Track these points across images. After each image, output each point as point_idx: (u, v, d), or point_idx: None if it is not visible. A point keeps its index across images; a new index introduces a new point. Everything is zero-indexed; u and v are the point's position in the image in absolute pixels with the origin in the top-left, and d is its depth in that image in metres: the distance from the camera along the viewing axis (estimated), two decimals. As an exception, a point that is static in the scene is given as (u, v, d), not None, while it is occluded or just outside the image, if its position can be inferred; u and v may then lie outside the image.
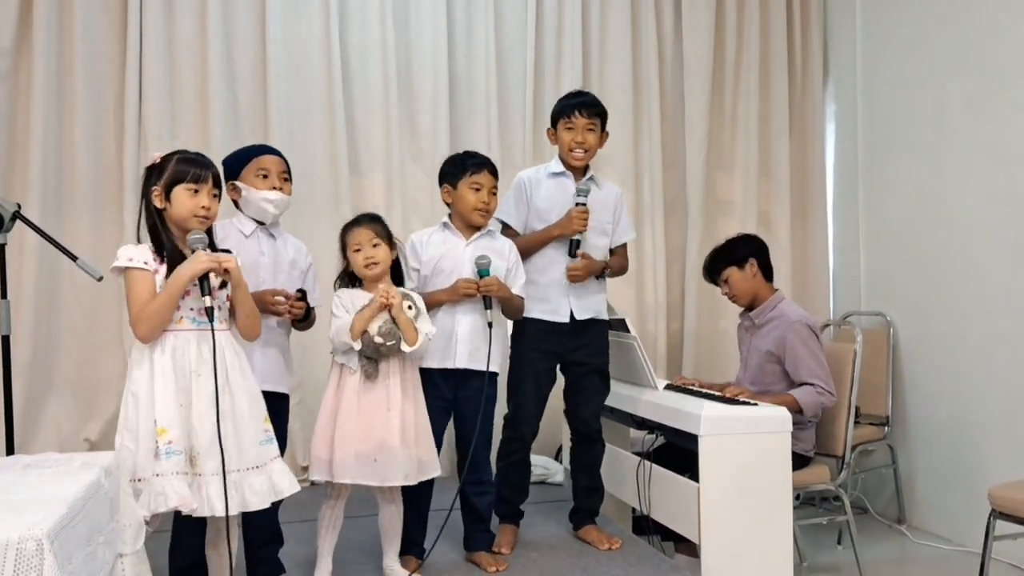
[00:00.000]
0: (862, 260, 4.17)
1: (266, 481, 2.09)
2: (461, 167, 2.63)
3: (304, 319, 2.50)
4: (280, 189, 2.43)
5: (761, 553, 2.59)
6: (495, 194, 2.64)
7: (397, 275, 2.50)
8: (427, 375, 2.54)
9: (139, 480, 1.94)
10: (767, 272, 3.20)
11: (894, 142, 3.96)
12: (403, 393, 2.37)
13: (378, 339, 2.31)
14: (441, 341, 2.55)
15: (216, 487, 1.99)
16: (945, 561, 3.41)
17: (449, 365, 2.56)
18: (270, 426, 2.15)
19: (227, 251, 2.16)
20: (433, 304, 2.55)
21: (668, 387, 3.01)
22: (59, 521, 1.37)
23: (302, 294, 2.44)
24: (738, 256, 3.18)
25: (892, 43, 3.96)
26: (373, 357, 2.34)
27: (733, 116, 4.28)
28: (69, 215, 3.50)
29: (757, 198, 4.28)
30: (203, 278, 2.01)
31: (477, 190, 2.60)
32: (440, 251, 2.61)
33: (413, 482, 2.37)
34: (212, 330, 2.02)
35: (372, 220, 2.46)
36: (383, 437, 2.31)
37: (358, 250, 2.40)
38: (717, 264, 3.23)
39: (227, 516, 2.00)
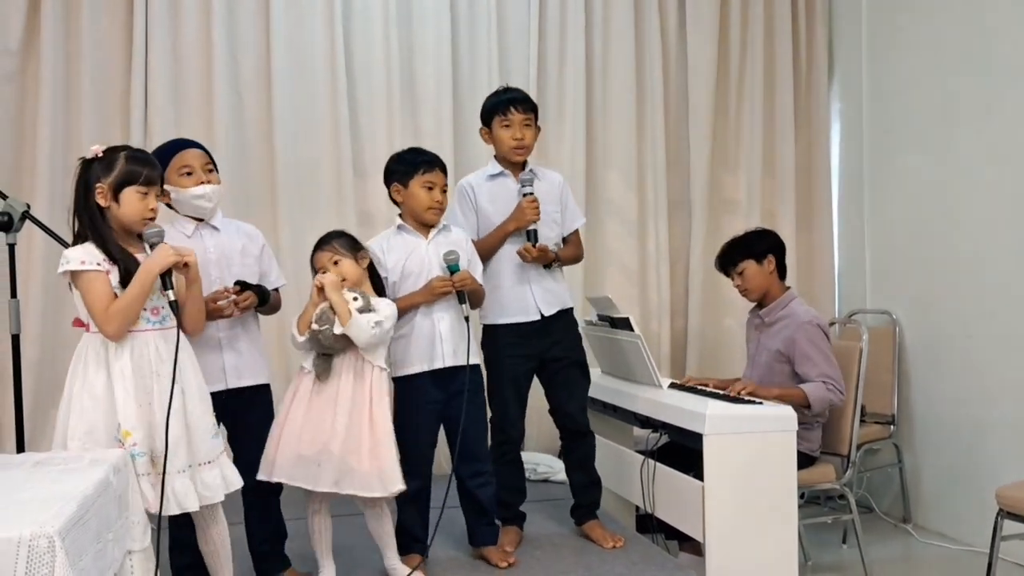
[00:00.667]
0: (867, 258, 4.17)
1: (218, 475, 2.11)
2: (412, 165, 2.59)
3: (263, 303, 2.44)
4: (207, 181, 2.35)
5: (766, 552, 2.59)
6: (446, 191, 2.62)
7: (377, 283, 2.49)
8: (416, 381, 2.55)
9: None
10: (782, 271, 3.19)
11: (899, 140, 3.95)
12: (353, 398, 2.33)
13: (314, 326, 2.33)
14: (423, 344, 2.55)
15: (181, 483, 2.00)
16: (951, 561, 3.41)
17: (438, 365, 2.56)
18: (215, 419, 2.16)
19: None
20: (409, 307, 2.54)
21: (672, 386, 3.02)
22: (70, 518, 1.39)
23: (241, 285, 2.37)
24: (758, 250, 3.14)
25: (898, 41, 3.96)
26: (324, 351, 2.35)
27: (737, 115, 4.28)
28: (77, 215, 3.52)
29: (762, 197, 4.27)
30: (166, 273, 2.01)
31: (430, 189, 2.57)
32: (403, 254, 2.59)
33: (348, 492, 2.31)
34: (178, 325, 2.03)
35: (331, 238, 2.44)
36: (325, 442, 2.30)
37: (323, 272, 2.40)
38: (734, 255, 3.19)
39: (160, 516, 1.99)
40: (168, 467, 1.98)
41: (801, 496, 2.84)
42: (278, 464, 2.33)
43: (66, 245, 2.53)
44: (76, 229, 2.07)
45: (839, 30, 4.37)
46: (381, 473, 2.32)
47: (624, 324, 2.93)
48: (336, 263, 2.40)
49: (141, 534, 1.90)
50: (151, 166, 2.07)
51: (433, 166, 2.59)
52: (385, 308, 2.39)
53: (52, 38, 3.44)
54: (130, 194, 2.03)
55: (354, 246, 2.45)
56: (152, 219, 2.06)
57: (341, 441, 2.30)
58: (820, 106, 4.35)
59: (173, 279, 2.03)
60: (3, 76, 3.43)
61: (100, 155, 2.05)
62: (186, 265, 2.05)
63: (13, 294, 2.50)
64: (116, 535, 1.70)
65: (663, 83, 4.15)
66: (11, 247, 2.47)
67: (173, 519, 2.22)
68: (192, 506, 2.02)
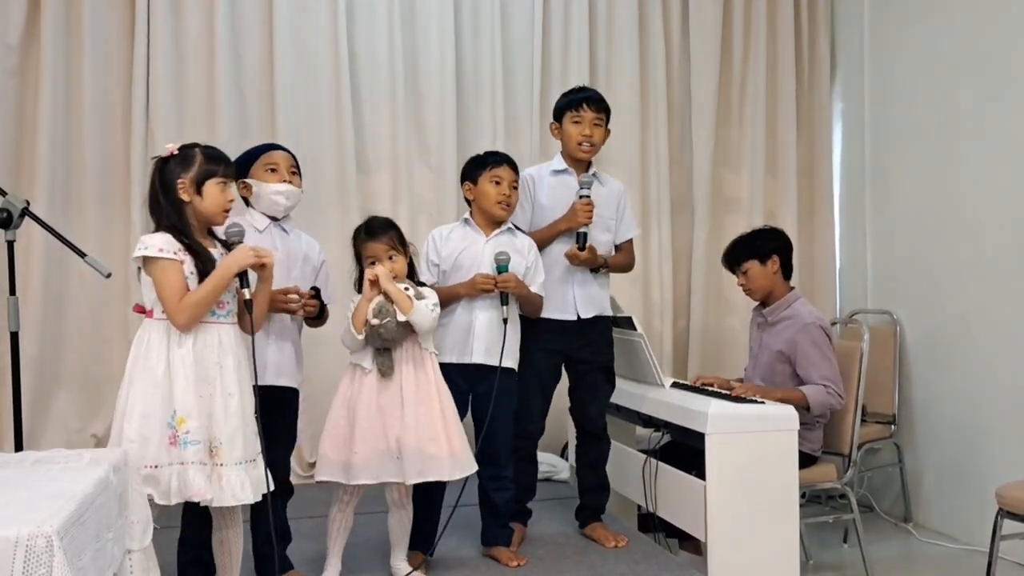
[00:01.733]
0: (869, 258, 4.16)
1: (262, 472, 2.13)
2: (481, 163, 2.67)
3: (318, 317, 2.50)
4: (289, 182, 2.45)
5: (767, 551, 2.59)
6: (516, 187, 2.65)
7: (412, 277, 2.49)
8: (444, 370, 2.54)
9: (155, 467, 1.96)
10: (787, 270, 3.18)
11: (901, 140, 3.94)
12: (417, 388, 2.36)
13: (374, 320, 2.30)
14: (459, 336, 2.57)
15: (237, 476, 2.02)
16: (952, 560, 3.40)
17: (466, 360, 2.58)
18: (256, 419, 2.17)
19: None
20: (451, 298, 2.56)
21: (675, 385, 3.01)
22: (68, 517, 1.38)
23: (316, 292, 2.45)
24: (762, 250, 3.14)
25: (899, 41, 3.95)
26: (383, 346, 2.34)
27: (740, 114, 4.27)
28: (77, 212, 3.52)
29: (764, 196, 4.26)
30: (243, 272, 2.06)
31: (497, 183, 2.62)
32: (460, 247, 2.63)
33: (433, 478, 2.35)
34: (252, 326, 2.09)
35: (386, 229, 2.44)
36: (399, 435, 2.32)
37: (373, 263, 2.40)
38: (739, 254, 3.19)
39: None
40: (226, 459, 2.01)
41: (802, 495, 2.83)
42: (356, 466, 2.32)
43: (66, 242, 2.54)
44: (156, 225, 2.10)
45: (841, 30, 4.36)
46: (455, 457, 2.37)
47: (627, 323, 2.93)
48: (391, 257, 2.40)
49: (141, 533, 1.89)
50: (226, 160, 2.14)
51: (501, 162, 2.64)
52: (431, 293, 2.42)
53: (53, 33, 3.43)
54: (211, 187, 2.08)
55: (404, 240, 2.46)
56: (229, 210, 2.12)
57: (415, 432, 2.32)
58: (822, 106, 4.34)
59: (249, 278, 2.08)
60: (3, 71, 3.42)
61: (175, 153, 2.09)
62: (263, 266, 2.09)
63: (12, 291, 2.49)
64: (116, 534, 1.69)
65: (666, 82, 4.15)
66: (10, 244, 2.45)
67: (184, 516, 2.24)
68: (248, 498, 2.04)
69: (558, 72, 4.01)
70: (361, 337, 2.33)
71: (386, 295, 2.33)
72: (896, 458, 3.87)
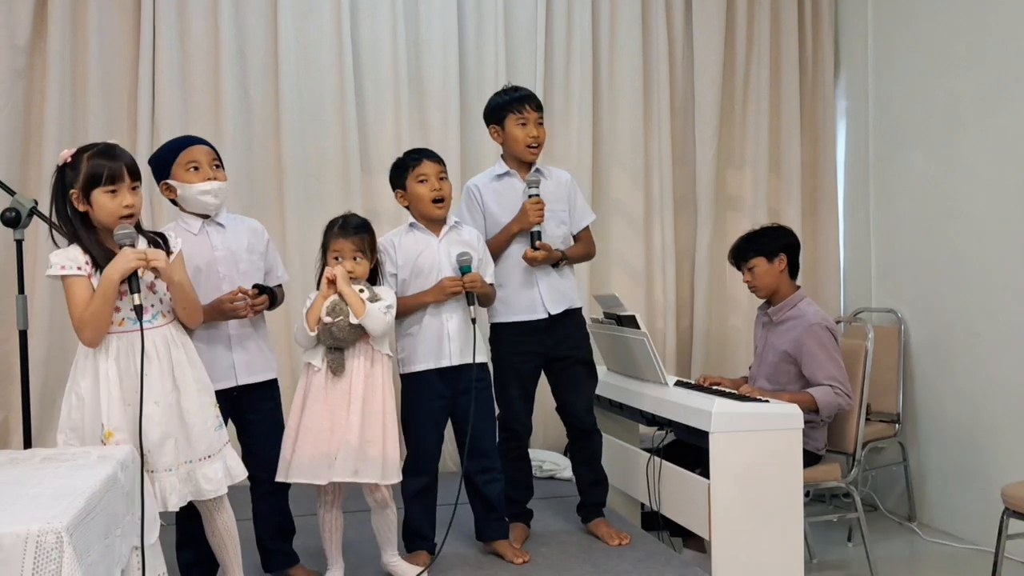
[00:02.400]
0: (873, 257, 4.16)
1: (220, 467, 2.11)
2: (403, 167, 2.62)
3: (273, 305, 2.47)
4: (214, 178, 2.35)
5: (771, 550, 2.59)
6: (444, 179, 2.61)
7: (374, 281, 2.48)
8: (424, 377, 2.56)
9: None
10: (794, 269, 3.18)
11: (905, 138, 3.94)
12: (365, 388, 2.33)
13: (327, 319, 2.29)
14: (432, 341, 2.56)
15: (170, 482, 2.00)
16: (957, 559, 3.40)
17: (445, 364, 2.56)
18: (218, 412, 2.16)
19: (159, 235, 2.14)
20: (418, 306, 2.55)
21: (678, 383, 3.02)
22: (77, 514, 1.39)
23: (259, 288, 2.39)
24: (770, 248, 3.13)
25: (903, 39, 3.94)
26: (335, 345, 2.32)
27: (743, 112, 4.27)
28: (83, 211, 3.53)
29: (768, 195, 4.26)
30: (131, 277, 1.97)
31: (424, 181, 2.57)
32: (414, 252, 2.59)
33: (367, 480, 2.33)
34: (141, 329, 1.99)
35: (359, 230, 2.42)
36: (343, 434, 2.30)
37: (337, 259, 2.39)
38: (746, 251, 3.18)
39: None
40: (156, 466, 1.99)
41: (806, 494, 2.83)
42: (294, 465, 2.31)
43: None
44: (52, 235, 2.07)
45: (845, 28, 4.35)
46: (388, 463, 2.34)
47: (630, 322, 2.93)
48: (356, 259, 2.39)
49: (147, 531, 1.90)
50: (112, 158, 2.01)
51: (420, 159, 2.60)
52: (388, 294, 2.41)
53: (60, 34, 3.45)
54: (98, 196, 1.99)
55: (374, 246, 2.45)
56: (130, 216, 2.02)
57: (358, 431, 2.30)
58: (826, 104, 4.33)
59: (139, 282, 2.00)
60: (11, 72, 3.43)
61: (69, 160, 2.02)
62: (154, 268, 2.01)
63: (21, 290, 2.51)
64: (124, 531, 1.70)
65: (669, 81, 4.15)
66: (19, 243, 2.46)
67: (180, 516, 2.24)
68: (173, 506, 2.02)
69: (561, 71, 4.01)
70: (313, 334, 2.32)
71: (341, 296, 2.32)
72: (901, 457, 3.87)
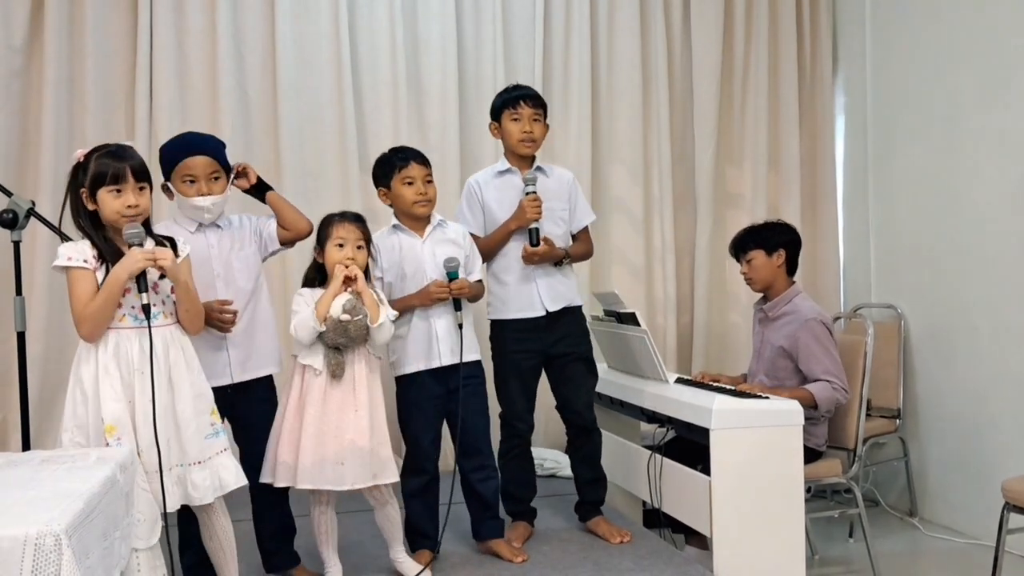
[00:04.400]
0: (872, 252, 4.16)
1: (208, 476, 2.09)
2: (389, 165, 2.60)
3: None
4: (209, 192, 2.33)
5: (773, 546, 2.59)
6: (430, 182, 2.60)
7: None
8: (417, 378, 2.56)
9: None
10: (792, 266, 3.17)
11: (904, 134, 3.93)
12: (369, 392, 2.32)
13: (344, 316, 2.23)
14: (422, 343, 2.55)
15: (157, 484, 1.99)
16: (958, 554, 3.40)
17: (435, 364, 2.56)
18: (217, 419, 2.15)
19: (168, 239, 2.14)
20: (405, 309, 2.54)
21: (679, 380, 3.01)
22: (76, 516, 1.39)
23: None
24: (770, 242, 3.13)
25: (902, 34, 3.94)
26: (338, 345, 2.27)
27: (742, 109, 4.26)
28: (81, 212, 3.52)
29: (767, 191, 4.26)
30: (140, 276, 1.99)
31: (410, 183, 2.56)
32: (399, 254, 2.58)
33: (384, 481, 2.33)
34: (149, 328, 2.00)
35: (360, 220, 2.41)
36: (352, 439, 2.27)
37: (340, 245, 2.35)
38: (746, 242, 3.18)
39: (164, 512, 2.00)
40: (148, 467, 1.98)
41: (808, 490, 2.83)
42: (301, 469, 2.27)
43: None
44: (60, 229, 2.10)
45: (843, 24, 4.35)
46: (395, 462, 2.36)
47: (630, 319, 2.93)
48: (360, 248, 2.36)
49: (147, 532, 1.90)
50: (118, 158, 2.02)
51: (408, 161, 2.58)
52: (386, 304, 2.40)
53: (56, 35, 3.44)
54: (103, 195, 2.02)
55: (370, 242, 2.43)
56: (135, 215, 2.03)
57: (368, 435, 2.29)
58: (824, 100, 4.33)
59: (155, 280, 2.02)
60: (7, 73, 3.43)
61: (82, 160, 2.05)
62: (161, 268, 2.02)
63: (18, 291, 2.50)
64: (123, 533, 1.69)
65: (668, 78, 4.14)
66: (16, 244, 2.46)
67: (182, 518, 2.24)
68: (170, 507, 2.01)
69: (559, 69, 4.01)
70: (321, 328, 2.26)
71: (359, 295, 2.28)
72: (901, 452, 3.86)
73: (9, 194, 2.47)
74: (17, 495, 1.48)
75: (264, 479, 2.32)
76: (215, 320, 2.30)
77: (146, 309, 2.00)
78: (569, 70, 4.00)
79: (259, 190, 2.50)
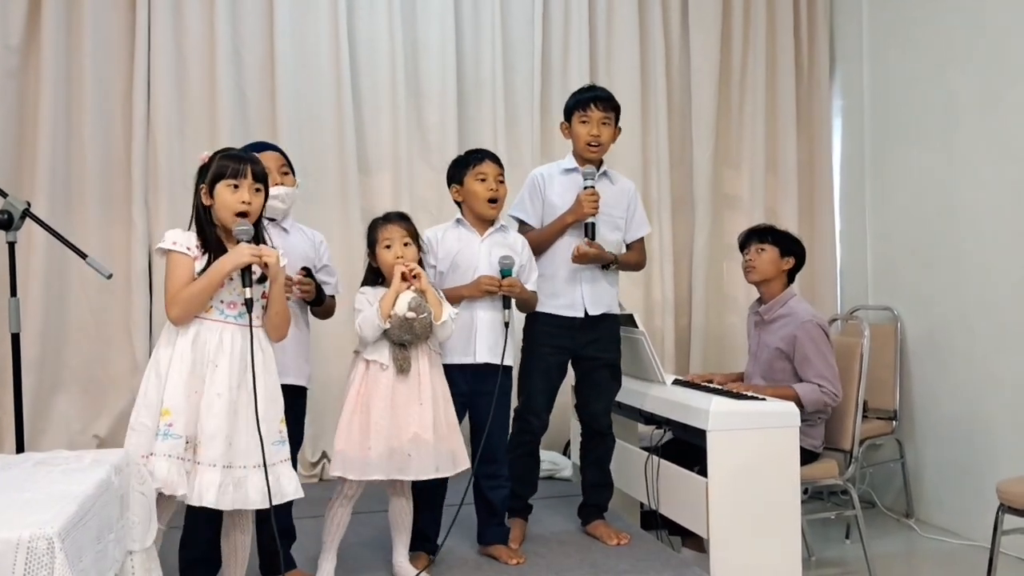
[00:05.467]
0: (869, 254, 4.16)
1: (256, 485, 2.07)
2: (464, 163, 2.67)
3: (319, 303, 2.49)
4: (280, 183, 2.43)
5: (769, 548, 2.59)
6: (502, 182, 2.65)
7: None
8: (447, 371, 2.55)
9: (147, 456, 1.97)
10: (791, 277, 3.20)
11: (901, 136, 3.94)
12: (432, 386, 2.38)
13: (410, 314, 2.29)
14: (461, 336, 2.57)
15: (210, 478, 1.99)
16: (953, 555, 3.40)
17: (469, 360, 2.58)
18: (284, 428, 2.15)
19: (273, 246, 2.18)
20: (453, 299, 2.56)
21: (676, 382, 3.01)
22: (70, 519, 1.38)
23: (306, 271, 2.44)
24: (786, 246, 3.15)
25: (899, 36, 3.94)
26: (403, 341, 2.33)
27: (740, 111, 4.27)
28: (78, 213, 3.51)
29: (764, 193, 4.26)
30: (245, 270, 2.04)
31: (483, 180, 2.62)
32: (456, 247, 2.63)
33: (447, 474, 2.40)
34: (250, 323, 2.05)
35: (403, 218, 2.47)
36: (417, 432, 2.33)
37: (388, 246, 2.40)
38: (765, 235, 3.18)
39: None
40: (203, 458, 1.99)
41: (804, 492, 2.83)
42: (373, 462, 2.31)
43: (67, 243, 2.54)
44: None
45: (840, 27, 4.35)
46: (462, 452, 2.43)
47: (628, 321, 2.93)
48: (407, 244, 2.41)
49: (142, 534, 1.89)
50: (239, 160, 2.11)
51: (483, 159, 2.65)
52: (447, 303, 2.44)
53: (54, 34, 3.43)
54: (221, 189, 2.07)
55: (418, 237, 2.47)
56: (246, 213, 2.08)
57: (433, 428, 2.34)
58: (822, 102, 4.34)
59: (254, 279, 2.06)
60: (4, 73, 3.42)
61: (206, 161, 2.11)
62: (266, 265, 2.06)
63: (13, 292, 2.50)
64: (117, 535, 1.69)
65: (666, 80, 4.14)
66: (11, 245, 2.46)
67: (187, 516, 2.23)
68: (210, 501, 2.00)
69: (558, 71, 4.01)
70: (386, 325, 2.31)
71: (422, 293, 2.34)
72: (898, 454, 3.87)
73: (5, 195, 2.47)
74: (10, 498, 1.48)
75: (334, 472, 2.37)
76: (295, 290, 2.34)
77: (248, 303, 2.04)
78: (567, 73, 4.00)
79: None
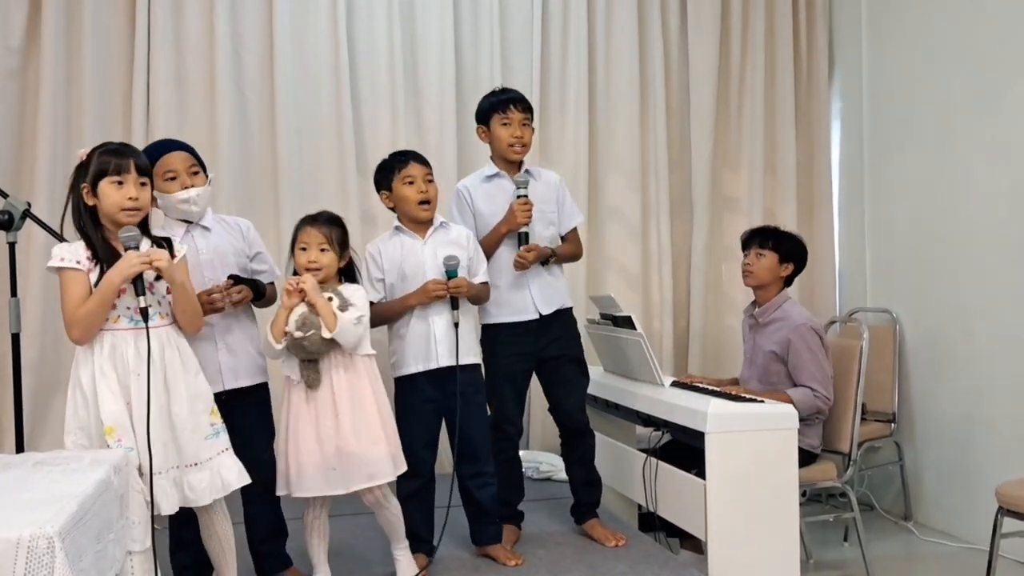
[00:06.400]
0: (868, 257, 4.17)
1: (207, 477, 2.08)
2: (389, 167, 2.62)
3: (259, 297, 2.44)
4: (191, 185, 2.33)
5: (767, 550, 2.59)
6: (431, 181, 2.61)
7: (351, 282, 2.44)
8: (412, 380, 2.56)
9: None
10: (788, 282, 3.20)
11: (900, 138, 3.94)
12: (352, 395, 2.29)
13: (297, 333, 2.21)
14: (420, 344, 2.55)
15: (160, 486, 1.98)
16: (952, 558, 3.41)
17: (432, 366, 2.56)
18: (217, 419, 2.14)
19: (166, 239, 2.14)
20: (404, 308, 2.55)
21: (674, 384, 3.01)
22: (70, 519, 1.38)
23: (234, 279, 2.36)
24: (787, 252, 3.16)
25: (897, 39, 3.95)
26: (308, 358, 2.25)
27: (739, 114, 4.27)
28: (77, 213, 3.51)
29: (763, 196, 4.26)
30: (137, 278, 1.97)
31: (411, 183, 2.57)
32: (399, 255, 2.58)
33: (386, 479, 2.33)
34: (147, 329, 1.99)
35: (329, 222, 2.37)
36: (339, 445, 2.26)
37: (304, 249, 2.33)
38: (766, 238, 3.19)
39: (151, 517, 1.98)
40: (143, 469, 1.97)
41: (802, 494, 2.84)
42: (295, 479, 2.28)
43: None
44: (62, 232, 2.08)
45: (839, 29, 4.36)
46: (395, 457, 2.35)
47: (627, 323, 2.93)
48: (322, 250, 2.32)
49: (141, 535, 1.89)
50: (121, 154, 2.02)
51: (407, 161, 2.59)
52: (359, 297, 2.33)
53: (54, 35, 3.43)
54: (104, 186, 2.01)
55: (344, 242, 2.38)
56: (135, 208, 2.02)
57: (354, 438, 2.27)
58: (820, 104, 4.34)
59: (145, 283, 1.99)
60: (4, 74, 3.42)
61: (84, 158, 2.05)
62: (157, 268, 1.99)
63: (13, 293, 2.50)
64: (117, 535, 1.69)
65: (665, 82, 4.15)
66: (11, 245, 2.45)
67: (174, 519, 2.22)
68: (165, 510, 2.00)
69: (557, 73, 4.01)
70: (280, 347, 2.25)
71: (311, 307, 2.24)
72: (896, 456, 3.87)
73: (5, 195, 2.47)
74: (10, 498, 1.48)
75: (279, 492, 2.33)
76: (206, 304, 2.26)
77: (144, 312, 1.98)
78: (566, 74, 4.01)
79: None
